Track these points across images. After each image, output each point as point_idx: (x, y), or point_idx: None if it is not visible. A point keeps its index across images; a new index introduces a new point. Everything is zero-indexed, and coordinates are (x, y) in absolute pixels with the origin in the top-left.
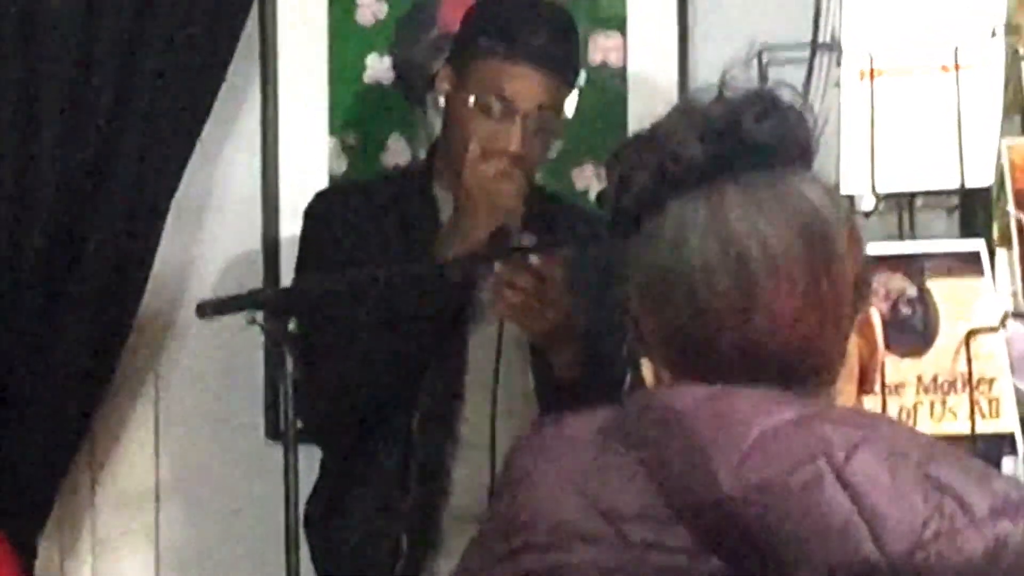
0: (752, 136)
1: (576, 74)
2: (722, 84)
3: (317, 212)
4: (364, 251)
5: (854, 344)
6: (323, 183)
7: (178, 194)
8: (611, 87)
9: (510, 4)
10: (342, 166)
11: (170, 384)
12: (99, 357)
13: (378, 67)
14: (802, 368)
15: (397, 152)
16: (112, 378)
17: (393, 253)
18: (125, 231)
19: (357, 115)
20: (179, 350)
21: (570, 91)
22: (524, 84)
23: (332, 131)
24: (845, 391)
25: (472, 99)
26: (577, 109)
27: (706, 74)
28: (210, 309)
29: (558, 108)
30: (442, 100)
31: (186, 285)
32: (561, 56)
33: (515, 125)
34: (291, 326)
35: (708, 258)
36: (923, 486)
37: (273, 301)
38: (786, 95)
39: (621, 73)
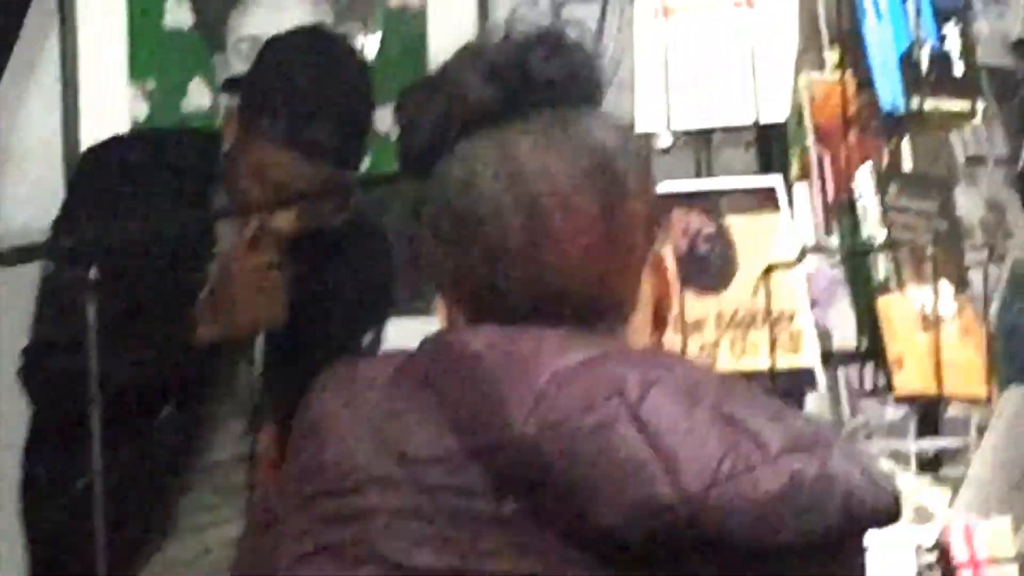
0: (539, 75)
1: (364, 152)
2: (510, 24)
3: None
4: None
5: (648, 283)
6: (124, 129)
7: None
8: (411, 29)
9: (302, 86)
10: (142, 112)
11: None
12: None
13: (177, 12)
14: (595, 308)
15: (198, 96)
16: None
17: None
18: None
19: (157, 61)
20: None
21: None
22: (305, 173)
23: (132, 77)
24: (640, 331)
25: (251, 170)
26: (378, 52)
27: (506, 15)
28: (11, 257)
29: (344, 187)
30: (226, 145)
31: None
32: (350, 148)
33: (292, 209)
34: (92, 274)
35: (498, 198)
36: (718, 424)
37: (73, 249)
38: (574, 33)
39: (421, 15)
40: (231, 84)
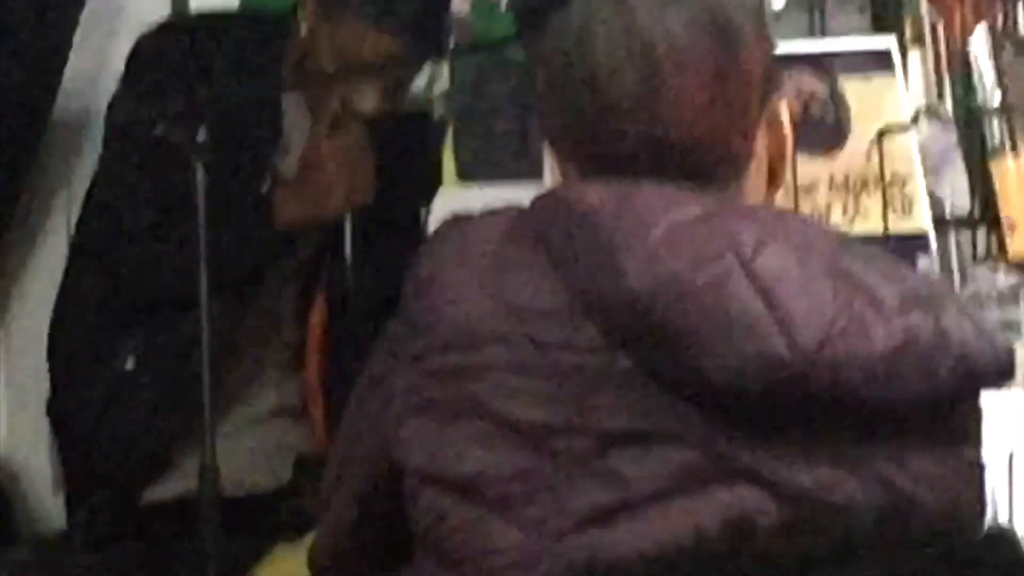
0: None
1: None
2: None
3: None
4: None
5: (763, 140)
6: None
7: (88, 10)
8: None
9: None
10: None
11: (83, 190)
12: (14, 164)
13: None
14: (709, 163)
15: None
16: (25, 183)
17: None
18: (37, 36)
19: None
20: (91, 158)
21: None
22: (393, 52)
23: None
24: (754, 188)
25: (332, 53)
26: None
27: None
28: (119, 117)
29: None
30: (304, 28)
31: (96, 97)
32: (432, 26)
33: (374, 89)
34: (200, 137)
35: (613, 51)
36: (832, 281)
37: (182, 113)
38: None
39: None
40: None
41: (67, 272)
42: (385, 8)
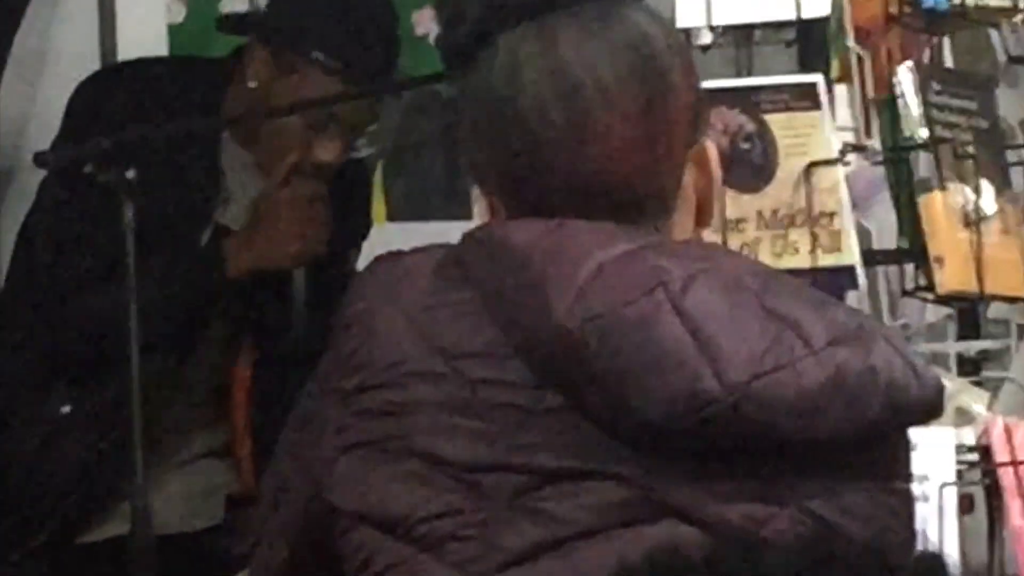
0: None
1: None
2: None
3: (86, 93)
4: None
5: (690, 177)
6: (161, 31)
7: (15, 47)
8: None
9: (347, 12)
10: (180, 14)
11: (11, 241)
12: None
13: None
14: (637, 200)
15: (235, 0)
16: None
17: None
18: None
19: None
20: (19, 204)
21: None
22: (357, 102)
23: None
24: (682, 224)
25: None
26: None
27: None
28: (49, 160)
29: (374, 114)
30: (253, 83)
31: (25, 139)
32: (388, 71)
33: (337, 139)
34: (129, 175)
35: (540, 89)
36: (761, 316)
37: (110, 152)
38: None
39: None
40: (229, 22)
41: None
42: (347, 58)
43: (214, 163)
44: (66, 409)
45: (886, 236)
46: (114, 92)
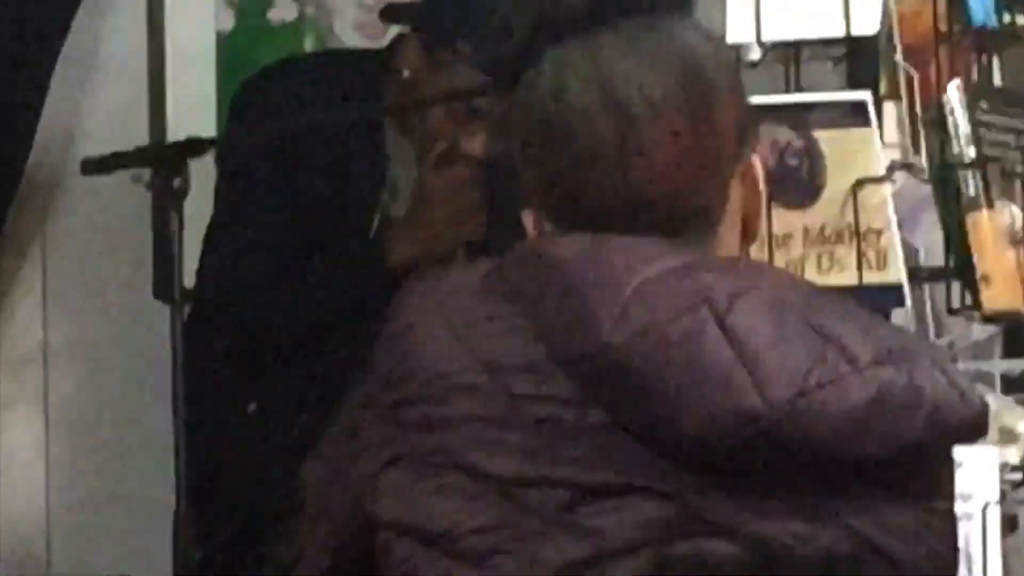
0: None
1: None
2: None
3: (243, 101)
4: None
5: (736, 193)
6: (210, 39)
7: (64, 50)
8: None
9: (491, 8)
10: (229, 23)
11: (57, 245)
12: None
13: None
14: (683, 216)
15: (284, 8)
16: None
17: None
18: (9, 87)
19: None
20: (66, 209)
21: None
22: (501, 97)
23: None
24: (728, 240)
25: (438, 95)
26: None
27: None
28: (95, 166)
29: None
30: (406, 72)
31: (72, 143)
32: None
33: (483, 131)
34: (177, 183)
35: (588, 105)
36: (806, 334)
37: (158, 157)
38: None
39: None
40: (391, 12)
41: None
42: (489, 52)
43: (379, 153)
44: (253, 407)
45: (933, 254)
46: (275, 89)
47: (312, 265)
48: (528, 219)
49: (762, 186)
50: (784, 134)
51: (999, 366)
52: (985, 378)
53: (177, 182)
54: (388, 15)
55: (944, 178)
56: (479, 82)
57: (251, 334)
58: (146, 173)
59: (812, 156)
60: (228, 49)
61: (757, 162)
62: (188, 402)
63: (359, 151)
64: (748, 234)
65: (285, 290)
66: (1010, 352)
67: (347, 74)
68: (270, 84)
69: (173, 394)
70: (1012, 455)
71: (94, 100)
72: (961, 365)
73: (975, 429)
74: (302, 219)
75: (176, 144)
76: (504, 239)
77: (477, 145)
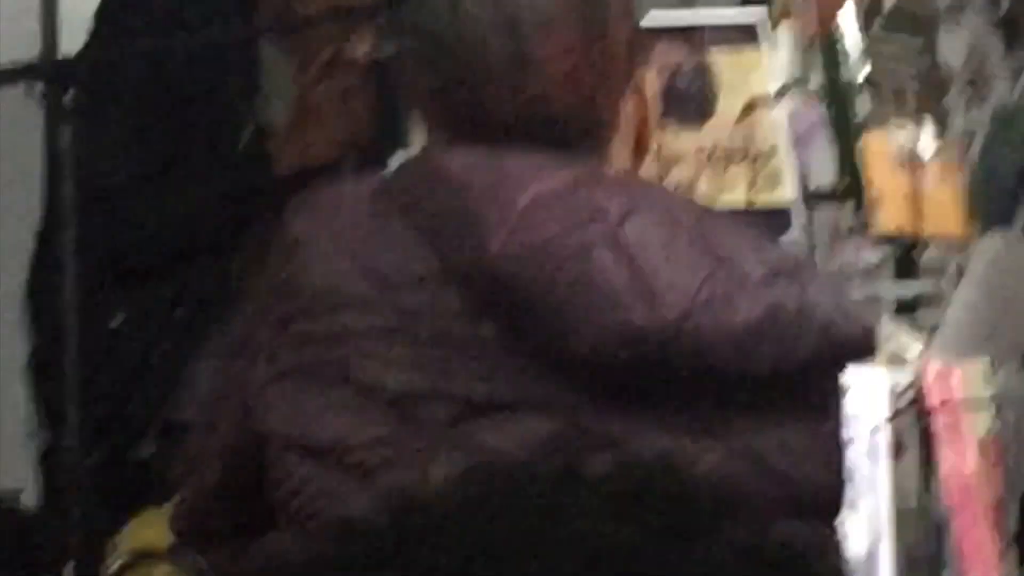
0: None
1: None
2: None
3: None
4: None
5: (628, 108)
6: None
7: None
8: None
9: None
10: None
11: None
12: None
13: None
14: (575, 132)
15: None
16: None
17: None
18: None
19: None
20: None
21: None
22: None
23: None
24: (620, 155)
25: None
26: None
27: None
28: None
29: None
30: None
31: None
32: None
33: (368, 34)
34: (68, 98)
35: (480, 20)
36: (697, 252)
37: (50, 71)
38: None
39: None
40: None
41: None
42: None
43: (251, 64)
44: (118, 319)
45: (828, 175)
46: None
47: (179, 177)
48: (420, 133)
49: (654, 100)
50: (677, 53)
51: (890, 290)
52: (876, 301)
53: (69, 97)
54: None
55: (836, 98)
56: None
57: (117, 247)
58: (38, 87)
59: (705, 75)
60: None
61: (648, 77)
62: (54, 310)
63: (228, 60)
64: (640, 148)
65: (151, 203)
66: (901, 276)
67: None
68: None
69: (63, 308)
70: (902, 378)
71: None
72: (852, 287)
73: (864, 348)
74: (169, 131)
75: (68, 59)
76: (392, 145)
77: (363, 49)
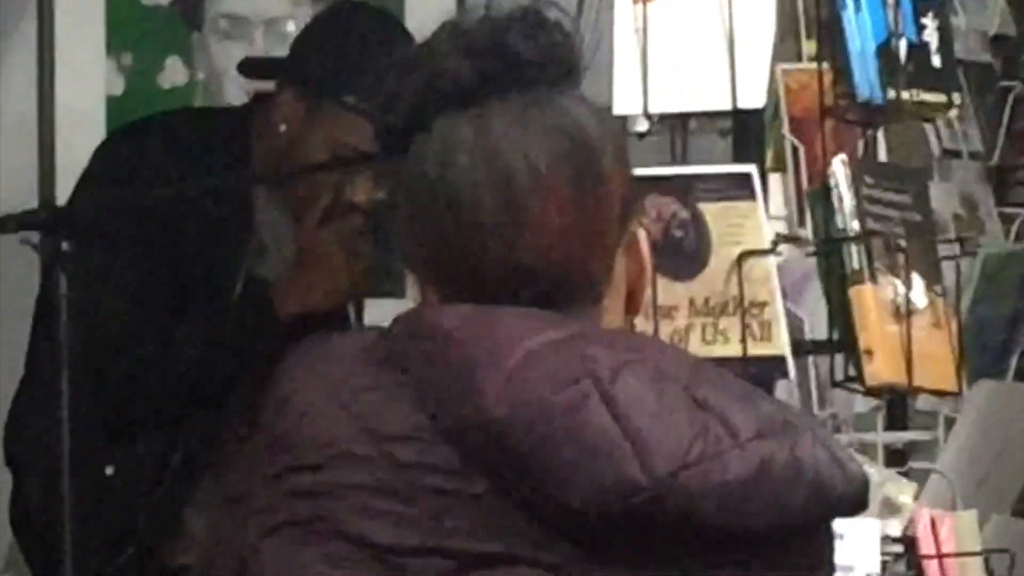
0: (517, 54)
1: None
2: (489, 2)
3: (107, 152)
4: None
5: (621, 264)
6: (100, 104)
7: None
8: (390, 7)
9: (377, 56)
10: (119, 87)
11: None
12: None
13: None
14: (568, 287)
15: (175, 73)
16: None
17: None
18: None
19: (134, 36)
20: None
21: None
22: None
23: (109, 51)
24: (612, 312)
25: (328, 148)
26: None
27: None
28: None
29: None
30: (283, 127)
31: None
32: None
33: (367, 179)
34: (64, 246)
35: (474, 175)
36: (689, 407)
37: (47, 221)
38: (554, 13)
39: None
40: (252, 66)
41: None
42: (373, 97)
43: (246, 214)
44: (110, 470)
45: (818, 326)
46: (134, 151)
47: (173, 329)
48: (413, 288)
49: (647, 258)
50: (670, 205)
51: (882, 437)
52: (868, 449)
53: (65, 245)
54: (251, 69)
55: (828, 251)
56: (364, 131)
57: (112, 398)
58: (35, 236)
59: (698, 228)
60: (118, 113)
61: (642, 234)
62: (47, 461)
63: (222, 211)
64: (632, 305)
65: (145, 354)
66: (892, 424)
67: (213, 132)
68: (133, 142)
69: (54, 457)
70: (894, 527)
71: None
72: (844, 436)
73: (856, 503)
74: (162, 283)
75: (65, 207)
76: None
77: (362, 194)
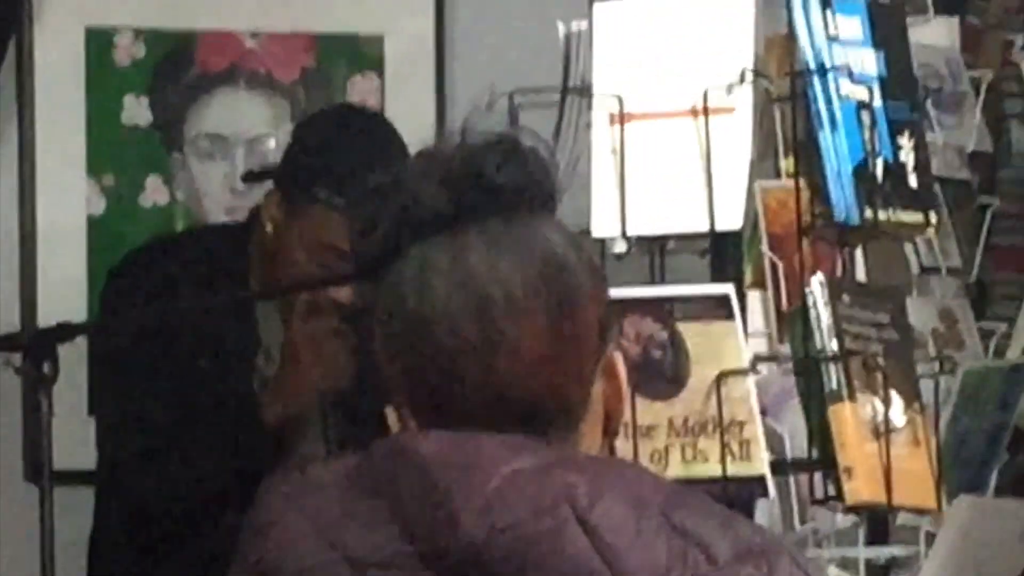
0: (493, 182)
1: None
2: (465, 129)
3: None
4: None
5: (599, 387)
6: (81, 224)
7: None
8: None
9: (351, 152)
10: (100, 207)
11: None
12: None
13: (135, 108)
14: (545, 413)
15: (156, 192)
16: None
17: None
18: None
19: (115, 156)
20: None
21: None
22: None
23: (90, 172)
24: (590, 435)
25: (305, 244)
26: None
27: (463, 117)
28: None
29: None
30: (269, 226)
31: None
32: None
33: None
34: (46, 368)
35: (450, 303)
36: (667, 533)
37: (28, 343)
38: (529, 139)
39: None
40: (252, 174)
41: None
42: (350, 194)
43: (248, 319)
44: None
45: (798, 443)
46: (143, 274)
47: (196, 442)
48: (392, 414)
49: (624, 381)
50: (648, 326)
51: (863, 553)
52: (849, 565)
53: (46, 367)
54: (250, 177)
55: (807, 370)
56: (341, 227)
57: (144, 513)
58: (16, 358)
59: (676, 347)
60: (99, 233)
61: (619, 357)
62: None
63: (229, 321)
64: (610, 427)
65: (173, 469)
66: (874, 539)
67: (212, 249)
68: (137, 270)
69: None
70: None
71: None
72: (826, 552)
73: None
74: (183, 396)
75: (46, 330)
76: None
77: (342, 292)
